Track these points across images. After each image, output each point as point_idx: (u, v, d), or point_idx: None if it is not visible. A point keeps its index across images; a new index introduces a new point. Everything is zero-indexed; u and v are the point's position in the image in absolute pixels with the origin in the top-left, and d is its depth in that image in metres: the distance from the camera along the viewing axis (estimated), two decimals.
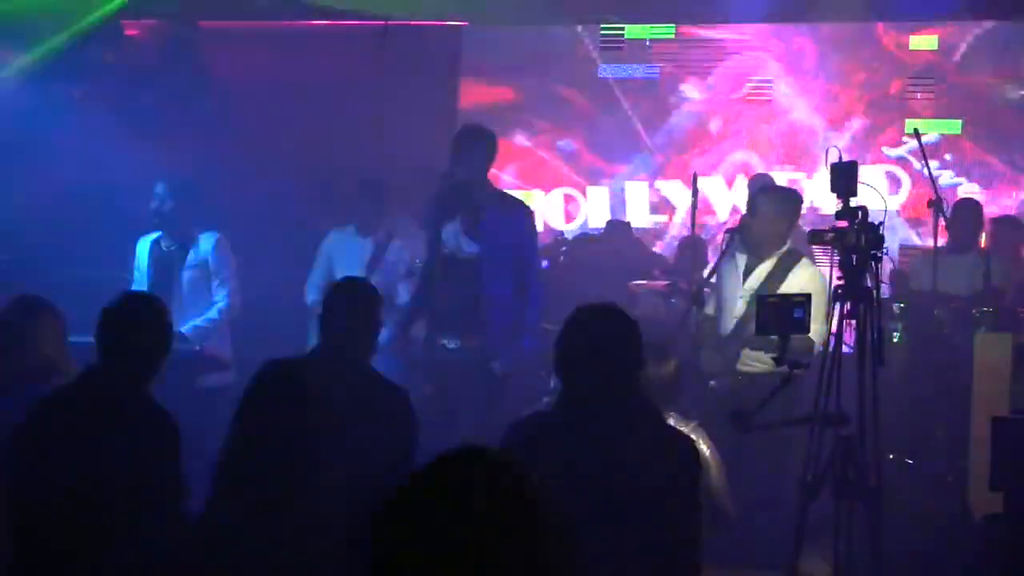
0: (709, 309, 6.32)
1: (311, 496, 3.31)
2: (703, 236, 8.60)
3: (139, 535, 3.53)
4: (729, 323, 6.10)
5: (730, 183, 9.25)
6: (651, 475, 3.41)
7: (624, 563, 3.34)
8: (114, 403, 3.77)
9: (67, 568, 3.53)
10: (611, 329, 3.54)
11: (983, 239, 7.77)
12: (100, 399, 3.76)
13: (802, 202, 6.57)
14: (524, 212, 6.38)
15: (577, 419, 3.47)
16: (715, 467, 4.75)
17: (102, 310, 3.95)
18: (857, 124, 9.09)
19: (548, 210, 9.59)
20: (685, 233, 8.25)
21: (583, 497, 3.27)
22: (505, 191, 6.72)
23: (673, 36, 9.50)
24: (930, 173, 7.48)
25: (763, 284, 5.98)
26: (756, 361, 5.88)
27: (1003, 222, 7.99)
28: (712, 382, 5.97)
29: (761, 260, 6.11)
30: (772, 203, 6.18)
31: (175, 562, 3.38)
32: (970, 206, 7.81)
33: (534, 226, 6.42)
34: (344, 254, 7.14)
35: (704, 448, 4.72)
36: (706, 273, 6.93)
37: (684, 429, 4.71)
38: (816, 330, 5.37)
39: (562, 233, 9.45)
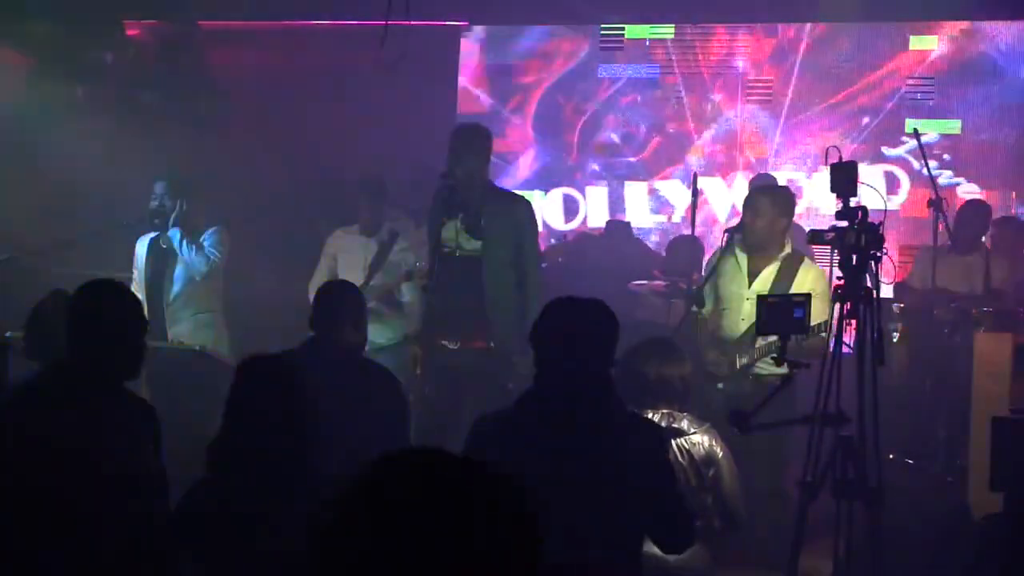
0: (706, 310, 6.30)
1: (304, 481, 3.38)
2: (702, 236, 8.61)
3: (120, 524, 3.52)
4: (738, 325, 6.08)
5: (730, 183, 9.25)
6: (611, 468, 3.41)
7: (595, 554, 3.36)
8: (88, 392, 3.75)
9: (47, 557, 3.51)
10: (583, 323, 3.55)
11: (986, 240, 7.78)
12: (72, 389, 3.73)
13: (795, 199, 6.57)
14: (523, 207, 6.39)
15: (538, 414, 3.48)
16: (728, 469, 4.75)
17: (71, 301, 3.95)
18: (857, 124, 9.08)
19: (548, 210, 9.59)
20: (685, 232, 8.24)
21: (544, 492, 3.30)
22: (504, 188, 6.74)
23: (673, 36, 9.50)
24: (930, 173, 7.48)
25: (772, 286, 5.96)
26: (766, 364, 5.83)
27: (1006, 223, 7.99)
28: (720, 384, 5.96)
29: (766, 262, 6.09)
30: (771, 202, 6.18)
31: (156, 549, 3.40)
32: (978, 207, 7.81)
33: (534, 221, 6.42)
34: (348, 254, 7.15)
35: (718, 450, 4.73)
36: (703, 273, 6.93)
37: (698, 431, 4.73)
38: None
39: (562, 233, 9.46)
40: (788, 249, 6.12)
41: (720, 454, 4.73)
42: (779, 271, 6.05)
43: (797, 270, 6.02)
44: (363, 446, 3.68)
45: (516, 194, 6.79)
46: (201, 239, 6.87)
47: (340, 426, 4.03)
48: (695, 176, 7.09)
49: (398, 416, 4.76)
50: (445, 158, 6.26)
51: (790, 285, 5.92)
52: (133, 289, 7.02)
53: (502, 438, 3.52)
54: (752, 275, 6.11)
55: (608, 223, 9.29)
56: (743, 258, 6.16)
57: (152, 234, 6.99)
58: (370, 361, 5.05)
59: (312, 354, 4.59)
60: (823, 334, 5.32)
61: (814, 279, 5.94)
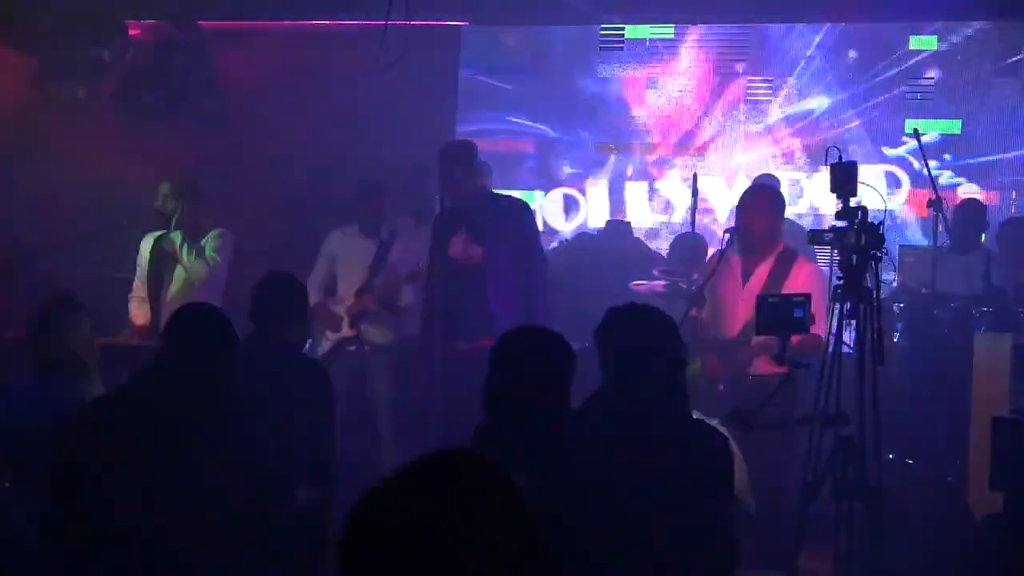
0: (704, 312, 6.29)
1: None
2: (703, 236, 8.61)
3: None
4: (733, 326, 6.07)
5: (730, 183, 9.24)
6: (686, 470, 3.43)
7: (657, 553, 3.37)
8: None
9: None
10: (656, 327, 3.59)
11: (984, 239, 7.79)
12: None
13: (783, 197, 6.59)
14: (523, 210, 6.48)
15: (610, 411, 3.50)
16: (739, 468, 4.76)
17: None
18: (856, 124, 9.08)
19: (548, 210, 9.59)
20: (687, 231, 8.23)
21: (619, 487, 3.31)
22: (502, 192, 6.81)
23: (673, 36, 9.50)
24: (930, 173, 7.49)
25: (766, 285, 5.94)
26: (765, 363, 5.81)
27: (1009, 224, 7.99)
28: (721, 385, 5.95)
29: (760, 261, 6.09)
30: (770, 201, 6.18)
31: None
32: (973, 206, 7.82)
33: (534, 223, 6.50)
34: (347, 254, 7.15)
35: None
36: (705, 274, 6.93)
37: None
38: (821, 326, 5.31)
39: (562, 233, 9.46)
40: (782, 247, 6.11)
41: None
42: (772, 270, 6.04)
43: (791, 268, 6.02)
44: (290, 444, 3.78)
45: (515, 198, 6.88)
46: (203, 242, 6.86)
47: (273, 424, 4.05)
48: (695, 176, 7.09)
49: (326, 417, 4.66)
50: (437, 173, 6.36)
51: (783, 283, 5.91)
52: (134, 288, 7.03)
53: (576, 434, 3.53)
54: (746, 275, 6.10)
55: (608, 223, 9.28)
56: (736, 259, 6.16)
57: (157, 233, 6.99)
58: (305, 359, 5.02)
59: (253, 349, 4.50)
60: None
61: (808, 277, 5.93)
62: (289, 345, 4.70)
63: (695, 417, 3.81)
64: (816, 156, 8.94)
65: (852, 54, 9.11)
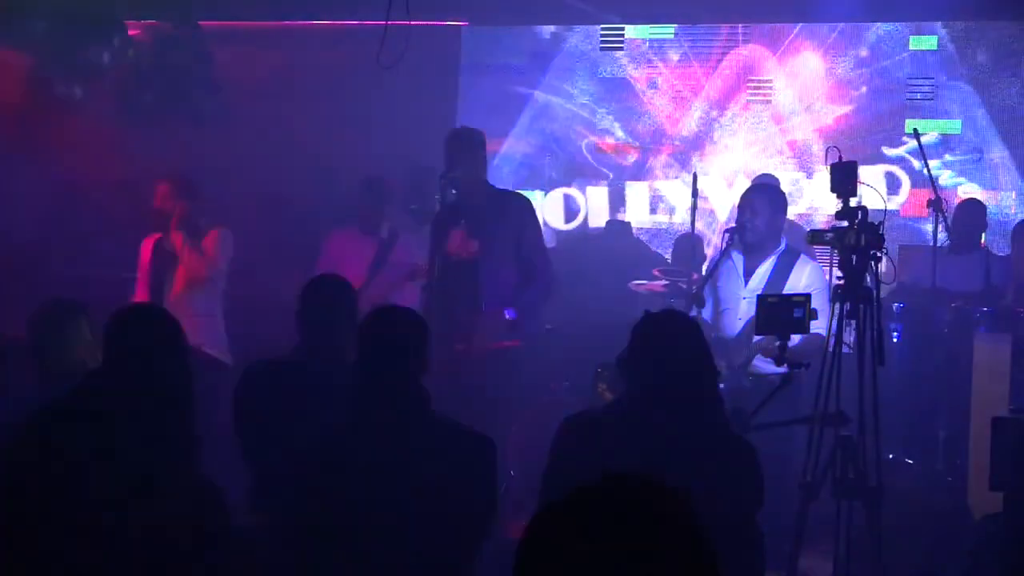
0: (705, 311, 6.29)
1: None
2: (702, 235, 8.62)
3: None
4: (735, 325, 6.08)
5: (730, 183, 9.25)
6: (712, 480, 3.42)
7: None
8: None
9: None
10: (682, 333, 3.60)
11: (984, 239, 7.78)
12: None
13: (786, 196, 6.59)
14: (520, 203, 6.43)
15: (640, 419, 3.49)
16: None
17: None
18: (856, 124, 9.08)
19: (548, 210, 9.59)
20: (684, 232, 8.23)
21: None
22: (502, 188, 6.78)
23: (673, 36, 9.51)
24: (930, 173, 7.49)
25: (767, 284, 5.95)
26: (766, 362, 5.81)
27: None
28: (721, 385, 5.93)
29: (760, 260, 6.09)
30: (769, 200, 6.18)
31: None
32: (973, 206, 7.81)
33: (533, 214, 6.42)
34: (347, 253, 7.15)
35: None
36: (704, 273, 6.93)
37: None
38: (823, 324, 5.32)
39: (563, 233, 9.46)
40: (783, 246, 6.12)
41: None
42: (774, 269, 6.05)
43: (792, 267, 6.03)
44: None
45: (514, 192, 6.85)
46: (203, 241, 6.86)
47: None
48: (695, 176, 7.09)
49: None
50: (444, 158, 6.30)
51: (785, 282, 5.92)
52: (135, 289, 7.03)
53: (593, 441, 3.52)
54: (748, 274, 6.11)
55: (608, 223, 9.29)
56: (739, 258, 6.17)
57: (157, 234, 6.99)
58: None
59: (304, 361, 4.41)
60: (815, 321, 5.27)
61: (809, 276, 5.94)
62: (340, 354, 4.37)
63: (733, 433, 3.77)
64: (816, 156, 8.95)
65: (852, 53, 9.12)
